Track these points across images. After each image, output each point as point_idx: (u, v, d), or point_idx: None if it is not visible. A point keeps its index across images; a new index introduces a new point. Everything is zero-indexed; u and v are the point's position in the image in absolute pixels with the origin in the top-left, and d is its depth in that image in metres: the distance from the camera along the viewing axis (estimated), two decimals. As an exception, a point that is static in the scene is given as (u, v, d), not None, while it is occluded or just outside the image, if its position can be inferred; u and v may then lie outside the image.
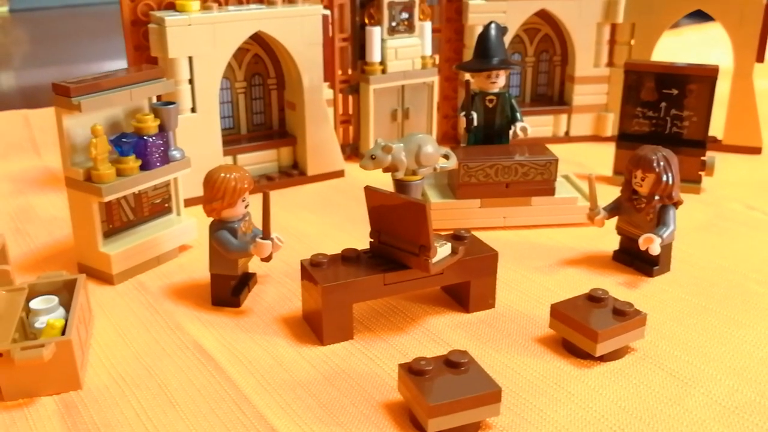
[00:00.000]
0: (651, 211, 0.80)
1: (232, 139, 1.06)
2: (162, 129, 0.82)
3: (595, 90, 1.22)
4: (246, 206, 0.74)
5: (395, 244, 0.69)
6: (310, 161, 1.07)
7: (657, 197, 0.79)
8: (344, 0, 1.10)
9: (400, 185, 0.76)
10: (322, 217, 0.97)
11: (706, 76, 1.01)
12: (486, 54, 0.94)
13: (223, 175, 0.72)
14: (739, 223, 0.95)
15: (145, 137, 0.80)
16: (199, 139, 0.97)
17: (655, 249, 0.77)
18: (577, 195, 0.94)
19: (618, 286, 0.79)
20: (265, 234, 0.72)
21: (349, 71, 1.15)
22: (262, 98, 1.08)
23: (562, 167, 1.09)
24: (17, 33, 2.79)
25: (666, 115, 1.04)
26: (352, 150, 1.17)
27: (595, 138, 1.24)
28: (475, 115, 0.93)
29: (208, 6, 0.97)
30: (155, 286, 0.79)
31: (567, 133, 1.25)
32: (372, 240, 0.71)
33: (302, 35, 1.01)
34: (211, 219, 0.74)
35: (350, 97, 1.15)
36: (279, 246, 0.74)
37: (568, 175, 1.01)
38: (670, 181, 0.78)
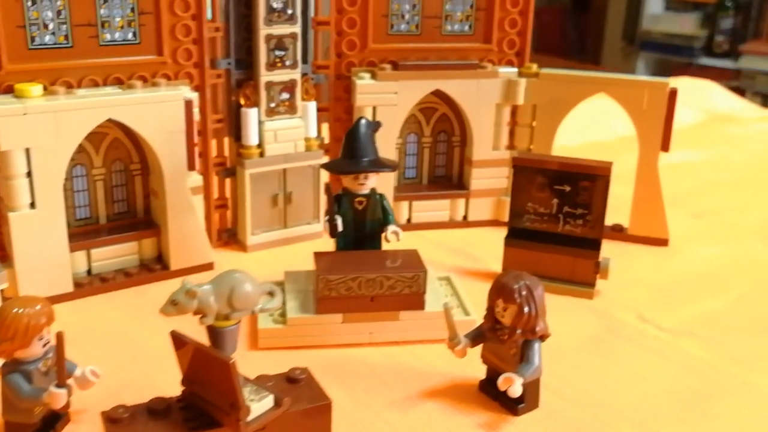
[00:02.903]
0: (514, 345, 0.72)
1: (88, 230, 0.96)
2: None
3: (495, 174, 1.15)
4: (45, 344, 0.64)
5: (206, 397, 0.61)
6: (173, 254, 0.98)
7: (519, 331, 0.71)
8: (217, 80, 1.01)
9: (212, 332, 0.67)
10: (174, 326, 0.87)
11: (599, 174, 0.94)
12: (354, 154, 0.86)
13: (15, 310, 0.62)
14: (628, 340, 0.87)
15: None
16: (39, 236, 0.88)
17: (515, 391, 0.69)
18: (452, 307, 0.86)
19: (477, 428, 0.71)
20: (60, 381, 0.63)
21: (226, 153, 1.06)
22: (124, 185, 0.99)
23: (453, 259, 1.03)
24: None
25: (559, 213, 0.97)
26: (230, 236, 1.08)
27: (495, 222, 1.17)
28: (339, 220, 0.85)
29: (53, 90, 0.88)
30: (-51, 426, 0.69)
31: (465, 217, 1.17)
32: (184, 389, 0.63)
33: (161, 123, 0.92)
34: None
35: (227, 180, 1.07)
36: (92, 383, 0.65)
37: (449, 278, 0.94)
38: (533, 313, 0.70)
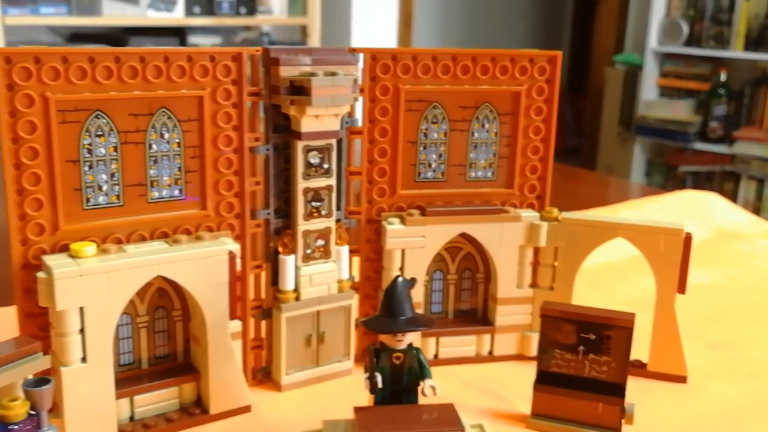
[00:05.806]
0: None
1: (131, 376, 1.00)
2: (34, 409, 0.76)
3: (519, 310, 1.19)
4: None
5: None
6: (212, 398, 1.01)
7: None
8: (256, 229, 1.06)
9: None
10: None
11: (623, 327, 0.98)
12: (392, 312, 0.90)
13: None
14: (655, 492, 0.90)
15: (9, 425, 0.74)
16: (89, 389, 0.91)
17: None
18: (486, 463, 0.89)
19: None
20: None
21: (262, 296, 1.10)
22: (166, 331, 1.03)
23: (482, 400, 1.07)
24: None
25: (584, 359, 1.01)
26: (264, 374, 1.12)
27: (520, 357, 1.20)
28: (379, 377, 0.89)
29: (106, 248, 0.93)
30: None
31: (491, 352, 1.21)
32: None
33: (206, 276, 0.97)
34: None
35: (263, 322, 1.11)
36: None
37: (482, 426, 0.97)
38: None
